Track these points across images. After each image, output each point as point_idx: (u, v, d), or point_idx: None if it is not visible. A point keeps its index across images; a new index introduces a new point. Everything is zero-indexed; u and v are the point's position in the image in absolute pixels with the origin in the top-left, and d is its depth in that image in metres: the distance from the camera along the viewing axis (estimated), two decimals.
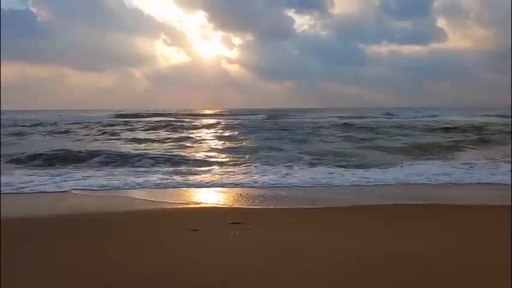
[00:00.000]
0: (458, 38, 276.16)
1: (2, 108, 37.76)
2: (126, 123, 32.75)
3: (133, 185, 8.45)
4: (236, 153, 13.79)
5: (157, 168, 10.72)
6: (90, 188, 8.14)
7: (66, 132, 24.70)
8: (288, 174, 9.71)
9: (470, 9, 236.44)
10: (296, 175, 9.55)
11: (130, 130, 25.97)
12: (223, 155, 13.65)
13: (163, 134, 23.03)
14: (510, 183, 8.30)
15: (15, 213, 6.14)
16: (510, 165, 10.14)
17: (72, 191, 7.91)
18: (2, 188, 7.72)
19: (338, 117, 43.19)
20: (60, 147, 14.24)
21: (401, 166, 10.79)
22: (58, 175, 9.32)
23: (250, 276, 3.49)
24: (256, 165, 11.12)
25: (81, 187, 8.15)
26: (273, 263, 3.78)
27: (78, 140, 19.77)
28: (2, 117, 34.34)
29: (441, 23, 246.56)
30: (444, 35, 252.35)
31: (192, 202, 7.19)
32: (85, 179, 8.90)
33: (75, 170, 10.36)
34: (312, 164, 11.31)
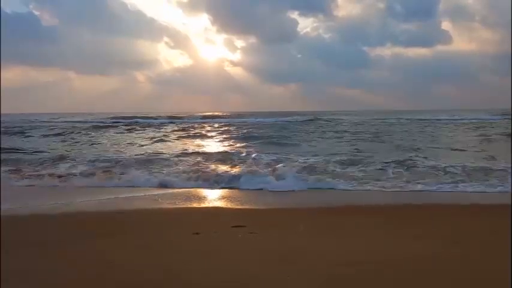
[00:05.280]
0: (464, 41, 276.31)
1: (8, 112, 37.83)
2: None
3: None
4: None
5: None
6: None
7: None
8: None
9: (475, 11, 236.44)
10: None
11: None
12: None
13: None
14: (510, 183, 8.22)
15: (15, 213, 6.10)
16: None
17: None
18: None
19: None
20: None
21: None
22: None
23: (253, 280, 3.42)
24: None
25: None
26: (276, 267, 3.71)
27: None
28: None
29: (446, 25, 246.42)
30: (449, 38, 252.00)
31: (195, 203, 7.13)
32: None
33: None
34: None
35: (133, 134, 24.16)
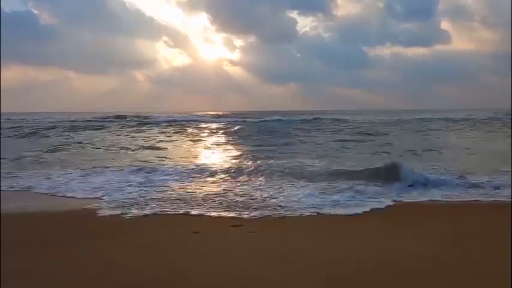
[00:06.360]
0: (463, 41, 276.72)
1: (7, 111, 37.81)
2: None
3: None
4: None
5: None
6: None
7: None
8: None
9: (475, 11, 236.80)
10: None
11: None
12: None
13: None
14: (510, 182, 8.20)
15: (15, 213, 6.09)
16: None
17: None
18: None
19: None
20: None
21: None
22: None
23: (253, 280, 3.42)
24: None
25: None
26: (276, 267, 3.72)
27: None
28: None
29: (446, 25, 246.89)
30: (448, 37, 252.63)
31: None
32: None
33: None
34: None
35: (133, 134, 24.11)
